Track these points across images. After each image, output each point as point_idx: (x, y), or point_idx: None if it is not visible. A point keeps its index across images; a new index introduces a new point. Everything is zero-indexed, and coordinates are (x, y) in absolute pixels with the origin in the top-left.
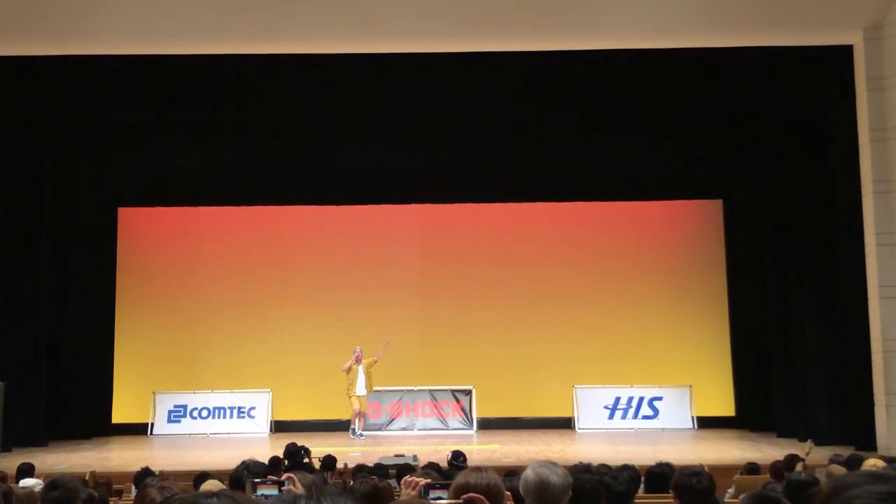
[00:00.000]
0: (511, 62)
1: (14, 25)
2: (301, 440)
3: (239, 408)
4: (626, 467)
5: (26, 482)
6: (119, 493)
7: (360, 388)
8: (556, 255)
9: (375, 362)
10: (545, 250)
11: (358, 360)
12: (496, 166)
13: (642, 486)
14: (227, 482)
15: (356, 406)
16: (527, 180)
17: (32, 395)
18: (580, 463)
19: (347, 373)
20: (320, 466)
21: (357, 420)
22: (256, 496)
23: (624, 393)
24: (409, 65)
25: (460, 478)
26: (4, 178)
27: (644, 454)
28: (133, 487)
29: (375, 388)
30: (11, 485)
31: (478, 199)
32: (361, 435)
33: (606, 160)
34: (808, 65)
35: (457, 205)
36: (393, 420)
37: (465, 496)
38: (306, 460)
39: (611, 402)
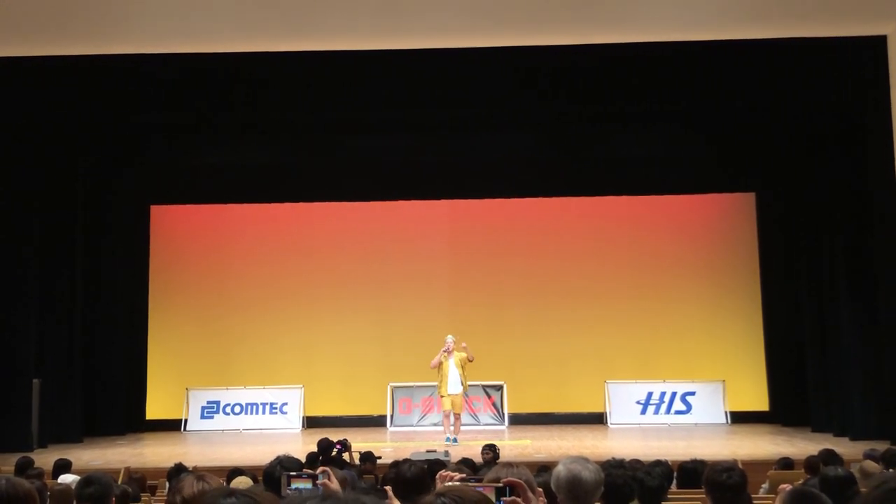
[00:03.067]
0: (542, 56)
1: (47, 25)
2: (334, 436)
3: (271, 404)
4: (658, 463)
5: (64, 478)
6: (153, 490)
7: (454, 386)
8: (587, 250)
9: (470, 361)
10: (576, 245)
11: (449, 353)
12: (527, 161)
13: (675, 481)
14: (259, 478)
15: (447, 406)
16: (557, 175)
17: (68, 392)
18: (612, 458)
19: (438, 370)
20: (360, 460)
21: (451, 423)
22: (291, 490)
23: (656, 388)
24: (439, 60)
25: (492, 473)
26: (39, 177)
27: (677, 449)
28: (167, 483)
29: (407, 384)
30: (48, 481)
31: (508, 194)
32: (455, 441)
33: (638, 154)
34: (841, 56)
35: (487, 200)
36: (424, 416)
37: (504, 479)
38: (346, 454)
39: (643, 397)
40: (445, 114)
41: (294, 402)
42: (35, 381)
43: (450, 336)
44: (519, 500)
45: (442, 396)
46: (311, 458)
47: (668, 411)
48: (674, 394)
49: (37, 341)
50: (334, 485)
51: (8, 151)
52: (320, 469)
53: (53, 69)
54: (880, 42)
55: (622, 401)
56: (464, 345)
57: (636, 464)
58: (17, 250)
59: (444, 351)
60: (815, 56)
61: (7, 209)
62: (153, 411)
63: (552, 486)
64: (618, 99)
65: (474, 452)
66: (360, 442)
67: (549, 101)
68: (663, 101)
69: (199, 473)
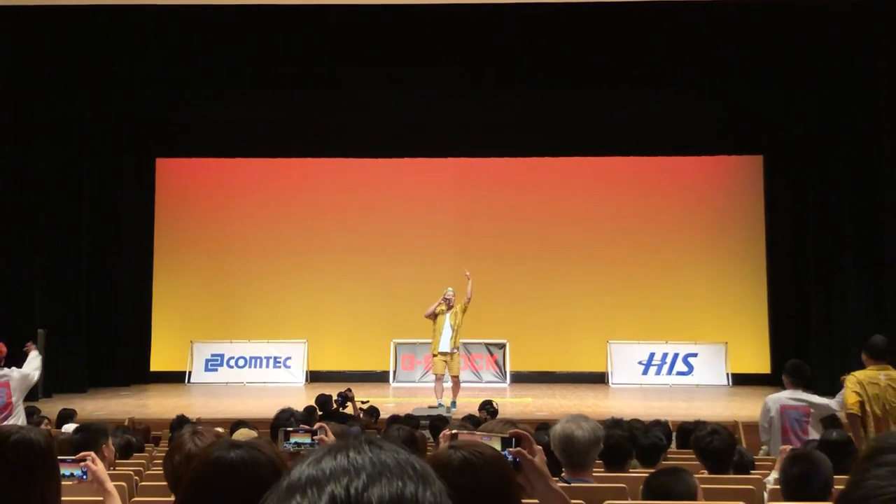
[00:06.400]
0: (551, 13)
1: None
2: (337, 391)
3: (275, 357)
4: (657, 423)
5: (67, 428)
6: (157, 440)
7: (444, 344)
8: (592, 211)
9: (468, 302)
10: (582, 205)
11: (448, 305)
12: (533, 121)
13: (674, 441)
14: (263, 430)
15: (439, 368)
16: (564, 135)
17: (73, 343)
18: (612, 418)
19: (434, 321)
20: (364, 414)
21: (442, 388)
22: (288, 445)
23: (658, 349)
24: (450, 16)
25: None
26: (44, 129)
27: (678, 410)
28: (170, 434)
29: (410, 340)
30: (52, 429)
31: (514, 153)
32: (454, 405)
33: (644, 115)
34: (855, 19)
35: (493, 159)
36: (426, 372)
37: (511, 431)
38: (348, 404)
39: (645, 357)
40: (454, 71)
41: (298, 356)
42: (40, 331)
43: (450, 288)
44: (524, 451)
45: (434, 356)
46: (309, 410)
47: (669, 372)
48: (676, 355)
49: (43, 292)
50: (330, 440)
51: (14, 98)
52: (318, 425)
53: (58, 20)
54: (894, 3)
55: (624, 361)
56: (467, 273)
57: (636, 423)
58: (23, 200)
59: (443, 299)
60: (828, 18)
61: (13, 160)
62: (158, 363)
63: (550, 444)
64: (625, 58)
65: (476, 410)
66: (363, 396)
67: (557, 59)
68: (672, 61)
69: (195, 428)
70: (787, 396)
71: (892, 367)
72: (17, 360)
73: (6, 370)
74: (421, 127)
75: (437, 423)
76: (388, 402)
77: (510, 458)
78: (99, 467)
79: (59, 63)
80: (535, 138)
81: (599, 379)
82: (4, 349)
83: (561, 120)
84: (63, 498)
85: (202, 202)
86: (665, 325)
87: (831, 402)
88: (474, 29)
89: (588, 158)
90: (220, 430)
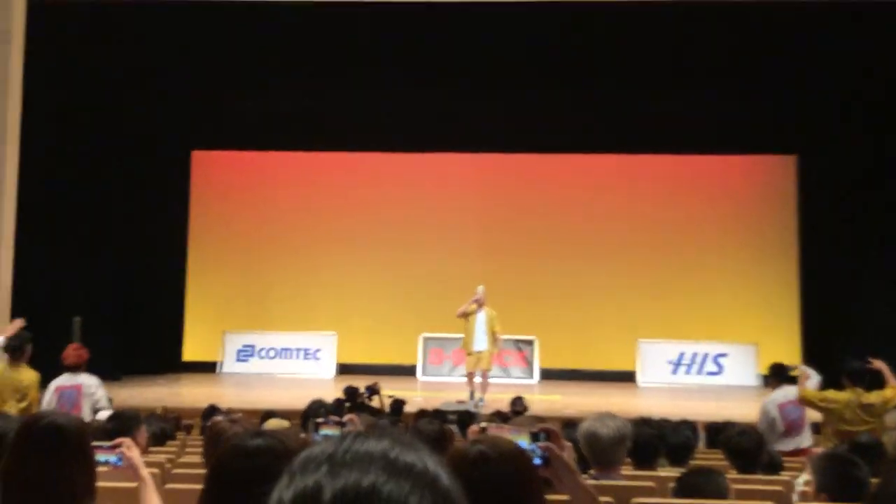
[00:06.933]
0: (583, 11)
1: None
2: (365, 383)
3: (305, 349)
4: (685, 422)
5: (101, 415)
6: (188, 429)
7: (479, 342)
8: (622, 208)
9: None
10: (611, 202)
11: (480, 304)
12: (563, 117)
13: (703, 441)
14: (294, 421)
15: (471, 366)
16: (593, 131)
17: (107, 331)
18: (640, 417)
19: (465, 321)
20: (389, 410)
21: (475, 383)
22: (318, 436)
23: (688, 348)
24: (479, 14)
25: (517, 421)
26: (81, 119)
27: (707, 410)
28: (201, 423)
29: (438, 335)
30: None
31: (543, 149)
32: (482, 401)
33: (675, 112)
34: (889, 18)
35: (522, 155)
36: (455, 367)
37: (540, 426)
38: (375, 397)
39: (674, 357)
40: (484, 67)
41: (327, 348)
42: (76, 319)
43: (481, 287)
44: (553, 445)
45: (468, 354)
46: (338, 402)
47: (699, 372)
48: (706, 355)
49: (77, 281)
50: None
51: (54, 90)
52: (347, 417)
53: (97, 16)
54: None
55: (653, 360)
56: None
57: (664, 422)
58: (59, 190)
59: (474, 300)
60: (864, 18)
61: (49, 151)
62: (190, 353)
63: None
64: (658, 56)
65: (505, 405)
66: (391, 390)
67: (592, 56)
68: (705, 59)
69: (232, 416)
70: (781, 396)
71: (864, 391)
72: (59, 348)
73: (84, 377)
74: (449, 122)
75: (465, 417)
76: (416, 395)
77: (539, 452)
78: (134, 454)
79: (98, 56)
80: (564, 135)
81: (628, 378)
82: (86, 354)
83: (590, 117)
84: (98, 484)
85: (235, 194)
86: (694, 324)
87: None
88: (505, 25)
89: (617, 156)
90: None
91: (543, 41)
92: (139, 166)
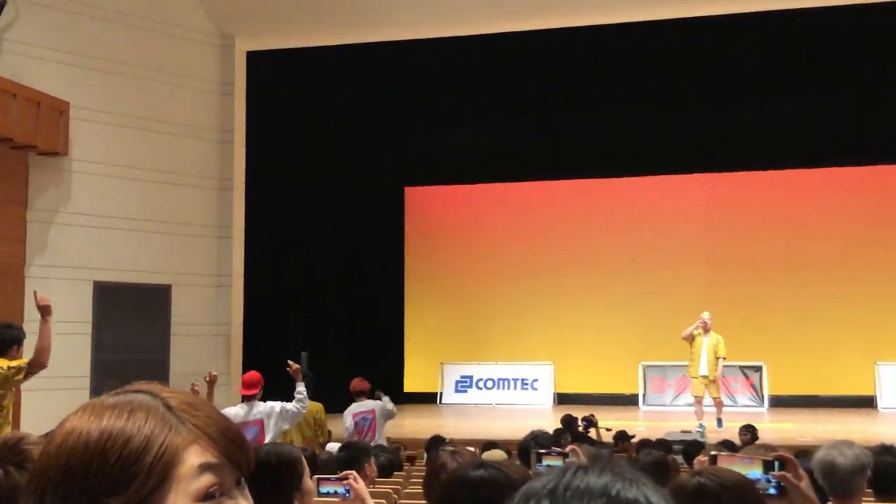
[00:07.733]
0: (811, 21)
1: (304, 18)
2: (582, 413)
3: (522, 379)
4: None
5: (331, 446)
6: (412, 460)
7: (704, 367)
8: (854, 223)
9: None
10: (843, 218)
11: (706, 329)
12: (788, 132)
13: None
14: (513, 452)
15: (698, 391)
16: (822, 144)
17: (333, 365)
18: (881, 444)
19: (690, 345)
20: (614, 439)
21: (702, 410)
22: (540, 467)
23: None
24: (693, 31)
25: (748, 450)
26: (298, 161)
27: None
28: (425, 454)
29: (659, 363)
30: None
31: (766, 166)
32: (720, 424)
33: None
34: None
35: (744, 173)
36: (678, 395)
37: (775, 454)
38: (591, 429)
39: None
40: (698, 85)
41: (545, 378)
42: (303, 353)
43: (706, 313)
44: (789, 475)
45: (693, 378)
46: (557, 433)
47: None
48: None
49: (303, 317)
50: (582, 462)
51: (274, 137)
52: (569, 447)
53: (310, 59)
54: None
55: (894, 383)
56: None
57: None
58: (280, 231)
59: (700, 322)
60: None
61: (270, 196)
62: (410, 384)
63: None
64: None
65: (732, 435)
66: (612, 420)
67: (818, 69)
68: None
69: (455, 448)
70: None
71: None
72: (280, 381)
73: (263, 406)
74: (667, 143)
75: (691, 448)
76: (638, 425)
77: (773, 482)
78: (360, 486)
79: (310, 100)
80: (789, 150)
81: (867, 402)
82: (259, 377)
83: (819, 129)
84: None
85: (448, 227)
86: None
87: None
88: (721, 42)
89: (848, 168)
90: (472, 449)
91: (766, 56)
92: (355, 204)
